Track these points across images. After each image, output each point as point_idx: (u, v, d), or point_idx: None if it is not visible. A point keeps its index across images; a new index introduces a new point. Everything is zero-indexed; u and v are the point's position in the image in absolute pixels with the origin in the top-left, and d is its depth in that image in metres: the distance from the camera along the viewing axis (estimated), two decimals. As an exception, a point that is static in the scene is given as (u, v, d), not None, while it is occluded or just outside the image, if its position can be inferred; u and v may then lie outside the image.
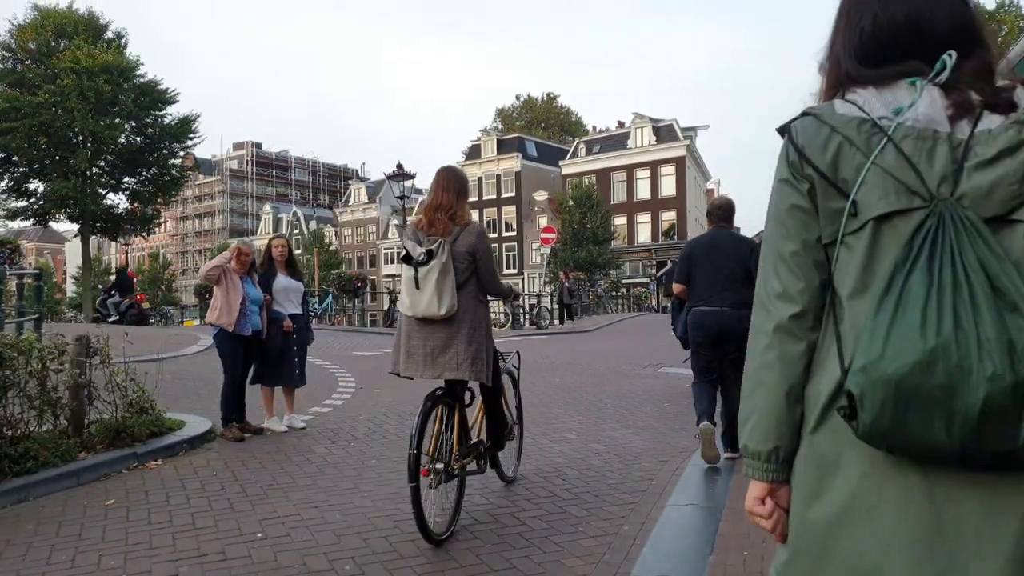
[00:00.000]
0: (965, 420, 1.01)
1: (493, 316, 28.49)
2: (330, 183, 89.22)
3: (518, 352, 5.25)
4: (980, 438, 1.01)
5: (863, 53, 1.26)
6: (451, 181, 4.12)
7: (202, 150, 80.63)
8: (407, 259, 3.93)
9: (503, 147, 57.93)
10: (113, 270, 66.49)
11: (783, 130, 1.26)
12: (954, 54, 1.17)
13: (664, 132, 51.13)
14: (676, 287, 5.51)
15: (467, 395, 4.21)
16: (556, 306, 25.36)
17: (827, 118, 1.21)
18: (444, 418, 3.94)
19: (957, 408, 1.01)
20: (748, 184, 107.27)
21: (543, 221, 48.64)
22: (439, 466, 3.81)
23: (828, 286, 1.22)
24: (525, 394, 8.78)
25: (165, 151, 37.16)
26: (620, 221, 49.80)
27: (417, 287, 3.86)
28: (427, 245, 3.92)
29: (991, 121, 1.13)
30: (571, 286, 26.17)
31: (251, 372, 6.78)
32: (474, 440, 4.26)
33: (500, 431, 4.43)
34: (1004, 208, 1.10)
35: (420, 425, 3.69)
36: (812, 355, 1.23)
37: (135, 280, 22.31)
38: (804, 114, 1.25)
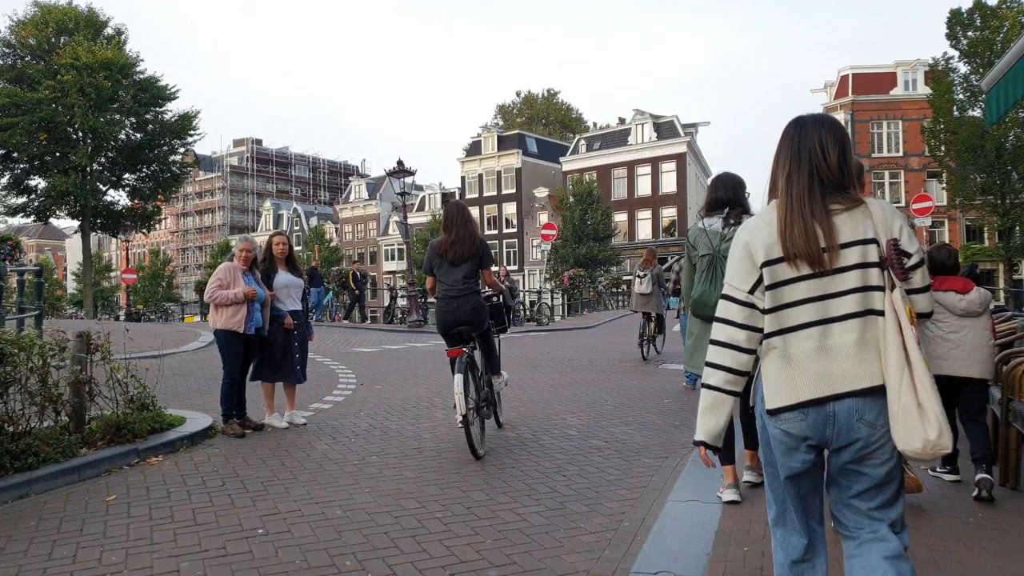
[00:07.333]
0: (710, 307, 3.63)
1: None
2: (330, 179, 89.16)
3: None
4: (710, 312, 3.21)
5: (708, 206, 4.61)
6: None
7: (202, 147, 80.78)
8: None
9: (503, 143, 57.88)
10: (114, 266, 66.65)
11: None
12: (727, 209, 4.49)
13: (665, 128, 51.05)
14: None
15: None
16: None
17: (696, 226, 4.66)
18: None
19: (708, 304, 4.24)
20: (748, 181, 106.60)
21: (544, 218, 48.65)
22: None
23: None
24: (525, 390, 8.83)
25: (165, 147, 37.12)
26: (621, 218, 49.77)
27: None
28: None
29: (731, 230, 4.34)
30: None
31: (251, 368, 6.80)
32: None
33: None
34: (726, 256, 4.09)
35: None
36: None
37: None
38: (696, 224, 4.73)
